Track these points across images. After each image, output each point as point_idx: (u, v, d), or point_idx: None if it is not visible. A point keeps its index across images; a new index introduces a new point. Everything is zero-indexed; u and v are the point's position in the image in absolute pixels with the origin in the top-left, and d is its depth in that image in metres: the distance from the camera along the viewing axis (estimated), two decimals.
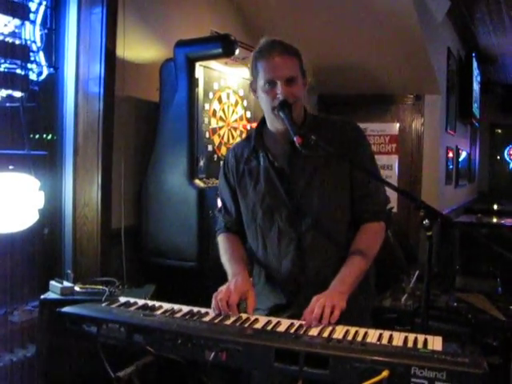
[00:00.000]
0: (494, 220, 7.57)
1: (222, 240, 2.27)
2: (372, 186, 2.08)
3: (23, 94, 2.72)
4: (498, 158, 11.56)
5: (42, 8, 2.84)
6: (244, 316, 1.84)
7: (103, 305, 1.94)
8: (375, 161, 2.18)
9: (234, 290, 1.91)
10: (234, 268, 2.07)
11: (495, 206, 9.19)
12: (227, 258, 2.16)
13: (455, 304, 3.43)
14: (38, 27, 2.81)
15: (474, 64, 7.74)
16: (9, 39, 2.65)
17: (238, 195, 2.20)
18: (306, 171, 2.04)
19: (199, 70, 3.17)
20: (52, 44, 2.96)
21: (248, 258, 2.21)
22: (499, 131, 11.49)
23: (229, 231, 2.28)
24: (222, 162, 2.32)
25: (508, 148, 11.51)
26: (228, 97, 3.47)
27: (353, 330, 1.68)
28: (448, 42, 6.52)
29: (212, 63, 3.29)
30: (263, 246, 2.13)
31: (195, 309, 1.89)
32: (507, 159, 11.55)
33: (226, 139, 3.44)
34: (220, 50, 3.01)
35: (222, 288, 1.95)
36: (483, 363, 1.38)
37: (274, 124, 2.05)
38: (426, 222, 1.69)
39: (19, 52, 2.69)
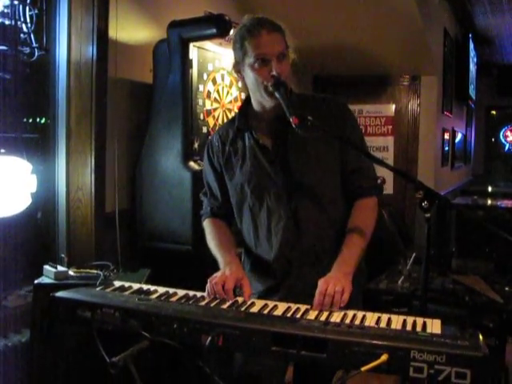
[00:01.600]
0: (489, 202, 7.60)
1: (208, 225, 2.24)
2: (363, 162, 2.07)
3: (14, 76, 2.67)
4: (493, 139, 11.57)
5: None
6: (240, 300, 1.82)
7: (97, 289, 1.92)
8: (363, 136, 2.18)
9: (229, 275, 1.90)
10: (226, 256, 2.05)
11: (490, 188, 9.22)
12: (216, 244, 2.14)
13: (451, 286, 3.42)
14: (28, 7, 2.75)
15: (471, 45, 7.71)
16: None
17: (224, 178, 2.17)
18: (295, 148, 2.02)
19: (193, 51, 3.13)
20: (43, 25, 2.90)
21: (236, 241, 2.20)
22: (494, 113, 11.48)
23: (214, 216, 2.26)
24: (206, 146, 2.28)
25: (503, 130, 11.52)
26: (222, 78, 3.43)
27: (350, 313, 1.67)
28: (444, 22, 6.47)
29: (206, 44, 3.24)
30: (254, 228, 2.11)
31: (191, 293, 1.88)
32: (502, 141, 11.56)
33: (220, 121, 3.40)
34: (214, 31, 2.96)
35: (217, 274, 1.94)
36: (483, 346, 1.37)
37: (262, 102, 2.01)
38: (424, 203, 1.67)
39: (9, 33, 2.64)
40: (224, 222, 2.24)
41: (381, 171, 2.15)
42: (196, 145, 3.17)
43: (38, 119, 3.00)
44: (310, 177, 2.02)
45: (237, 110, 3.46)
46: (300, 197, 2.03)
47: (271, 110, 1.99)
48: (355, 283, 2.05)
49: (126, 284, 1.98)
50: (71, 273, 2.51)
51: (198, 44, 3.15)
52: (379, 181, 2.16)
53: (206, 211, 2.30)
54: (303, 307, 1.73)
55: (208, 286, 1.88)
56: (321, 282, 1.81)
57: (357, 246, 1.97)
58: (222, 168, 2.17)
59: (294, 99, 2.03)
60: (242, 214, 2.14)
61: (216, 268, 2.02)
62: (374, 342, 1.41)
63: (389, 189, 5.46)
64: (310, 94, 2.19)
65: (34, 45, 2.82)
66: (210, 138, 2.29)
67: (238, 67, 2.03)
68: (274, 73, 1.90)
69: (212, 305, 1.77)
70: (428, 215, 1.69)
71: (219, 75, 3.39)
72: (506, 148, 11.51)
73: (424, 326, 1.54)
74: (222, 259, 2.06)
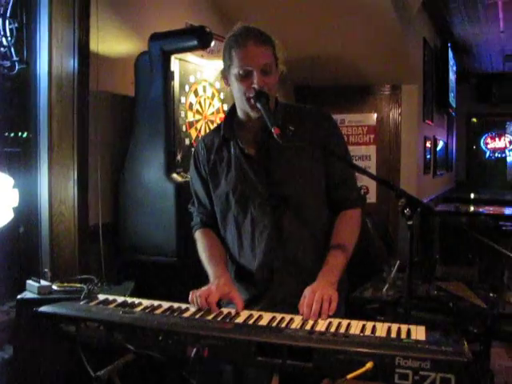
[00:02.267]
0: (472, 208, 7.67)
1: (199, 237, 2.23)
2: (348, 173, 2.09)
3: None
4: (474, 147, 11.69)
5: (12, 0, 2.77)
6: (225, 311, 1.82)
7: (81, 303, 1.90)
8: (348, 149, 2.20)
9: (215, 289, 1.89)
10: (215, 269, 2.05)
11: (472, 195, 9.31)
12: (207, 257, 2.13)
13: (436, 292, 3.45)
14: (8, 21, 2.74)
15: (450, 54, 7.80)
16: None
17: (210, 186, 2.17)
18: (279, 158, 2.03)
19: (175, 63, 3.13)
20: (23, 38, 2.89)
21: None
22: (475, 120, 11.61)
23: (205, 226, 2.25)
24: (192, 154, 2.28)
25: (484, 137, 11.65)
26: (204, 90, 3.43)
27: (335, 321, 1.67)
28: (424, 32, 6.55)
29: (188, 56, 3.25)
30: (238, 237, 2.11)
31: (175, 305, 1.87)
32: (483, 148, 11.68)
33: (203, 132, 3.40)
34: (195, 42, 2.97)
35: (203, 288, 1.93)
36: (467, 351, 1.37)
37: (246, 113, 2.02)
38: (407, 211, 1.68)
39: None
40: (215, 232, 2.23)
41: (364, 180, 2.17)
42: (179, 157, 3.17)
43: (19, 133, 2.98)
44: (292, 187, 2.03)
45: (219, 121, 3.49)
46: (283, 208, 2.03)
47: (256, 120, 2.00)
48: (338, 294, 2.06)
49: (110, 297, 1.97)
50: (54, 287, 2.49)
51: (179, 56, 3.15)
52: (362, 191, 2.19)
53: (196, 222, 2.28)
54: (288, 317, 1.73)
55: (190, 297, 1.88)
56: (308, 291, 1.82)
57: (342, 257, 1.98)
58: (207, 176, 2.17)
59: (280, 109, 2.04)
60: (227, 222, 2.14)
61: (201, 279, 2.01)
62: (359, 349, 1.41)
63: (372, 197, 5.49)
64: (295, 104, 2.21)
65: (15, 58, 2.81)
66: (195, 146, 2.29)
67: (224, 74, 2.04)
68: (255, 85, 1.91)
69: (197, 316, 1.76)
70: (410, 222, 1.71)
71: (201, 87, 3.40)
72: (487, 155, 11.63)
73: (408, 332, 1.55)
74: (211, 272, 2.05)
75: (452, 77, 8.17)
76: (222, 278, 1.99)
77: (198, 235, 2.24)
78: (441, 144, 8.22)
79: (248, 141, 2.08)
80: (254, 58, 1.92)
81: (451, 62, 7.99)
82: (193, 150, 3.27)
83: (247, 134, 2.08)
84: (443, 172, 8.59)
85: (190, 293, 1.90)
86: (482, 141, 11.67)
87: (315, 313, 1.72)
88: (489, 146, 11.64)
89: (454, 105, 8.60)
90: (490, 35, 7.68)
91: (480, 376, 2.95)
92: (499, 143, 11.58)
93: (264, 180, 2.04)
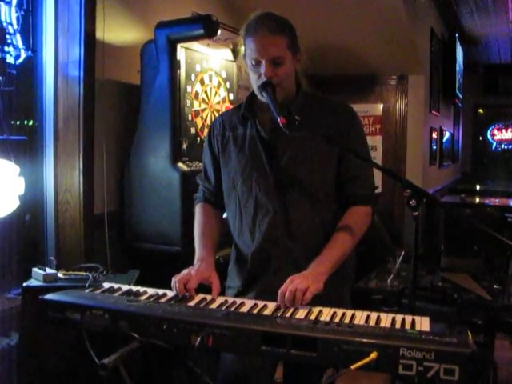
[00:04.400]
0: (477, 200, 7.65)
1: (198, 212, 2.24)
2: (362, 170, 2.05)
3: (0, 78, 2.66)
4: (481, 138, 11.63)
5: None
6: (230, 300, 1.82)
7: (87, 291, 1.91)
8: (367, 144, 2.16)
9: (194, 274, 1.90)
10: (201, 251, 2.06)
11: (478, 187, 9.28)
12: (198, 236, 2.14)
13: (440, 284, 3.45)
14: (13, 8, 2.74)
15: (457, 44, 7.74)
16: None
17: (220, 163, 2.16)
18: (292, 145, 2.01)
19: (181, 52, 3.13)
20: (29, 26, 2.89)
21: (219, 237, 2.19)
22: (482, 112, 11.55)
23: (207, 202, 2.26)
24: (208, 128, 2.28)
25: (490, 128, 11.58)
26: (210, 79, 3.43)
27: (340, 312, 1.67)
28: (431, 22, 6.50)
29: (194, 45, 3.24)
30: (239, 217, 2.10)
31: (180, 293, 1.87)
32: (490, 140, 11.62)
33: (208, 122, 3.39)
34: (201, 31, 2.96)
35: (184, 271, 1.94)
36: (471, 343, 1.37)
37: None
38: (412, 202, 1.68)
39: None
40: (215, 209, 2.24)
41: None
42: (184, 146, 3.17)
43: (25, 121, 2.99)
44: (300, 176, 2.01)
45: (225, 110, 3.49)
46: (289, 194, 2.01)
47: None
48: (340, 284, 2.05)
49: (116, 285, 1.97)
50: (60, 275, 2.51)
51: (185, 45, 3.15)
52: (377, 191, 2.15)
53: (199, 195, 2.30)
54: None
55: (172, 282, 1.89)
56: (288, 280, 1.81)
57: (339, 249, 1.95)
58: (219, 152, 2.16)
59: (300, 98, 2.05)
60: (230, 201, 2.13)
61: None
62: (364, 340, 1.41)
63: (378, 188, 5.47)
64: (320, 95, 2.17)
65: (21, 46, 2.81)
66: (213, 120, 2.29)
67: (244, 59, 2.03)
68: (262, 76, 1.91)
69: (201, 305, 1.77)
70: (416, 213, 1.70)
71: (207, 76, 3.39)
72: (493, 147, 11.57)
73: (413, 323, 1.55)
74: (197, 253, 2.06)
75: (459, 67, 8.12)
76: (204, 261, 1.99)
77: (198, 209, 2.26)
78: (447, 135, 8.18)
79: (265, 124, 2.06)
80: (264, 49, 1.91)
81: (458, 52, 7.93)
82: (198, 138, 3.29)
83: (266, 117, 2.05)
84: (449, 163, 8.56)
85: (172, 278, 1.90)
86: (488, 132, 11.59)
87: (288, 301, 1.72)
88: (495, 138, 11.56)
89: (460, 96, 8.54)
90: (498, 26, 7.61)
91: (484, 367, 2.95)
92: (506, 135, 11.50)
93: (273, 164, 2.02)
